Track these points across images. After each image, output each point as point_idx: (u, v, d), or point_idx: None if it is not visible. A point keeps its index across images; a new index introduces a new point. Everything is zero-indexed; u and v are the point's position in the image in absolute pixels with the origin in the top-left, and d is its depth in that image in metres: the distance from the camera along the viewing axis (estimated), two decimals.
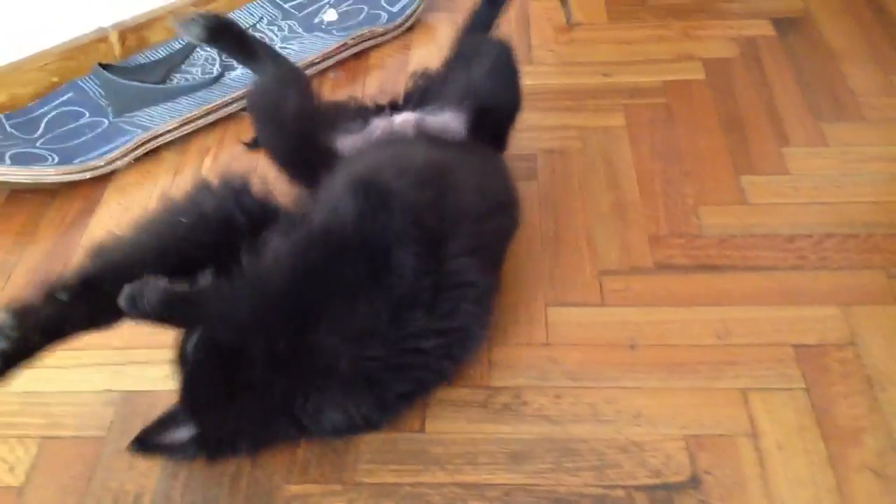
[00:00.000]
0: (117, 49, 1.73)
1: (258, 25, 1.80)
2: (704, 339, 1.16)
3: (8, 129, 1.58)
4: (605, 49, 1.76)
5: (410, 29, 1.83)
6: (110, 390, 1.14)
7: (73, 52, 1.69)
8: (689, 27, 1.79)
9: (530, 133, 1.55)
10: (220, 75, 1.69)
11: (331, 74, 1.72)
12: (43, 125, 1.60)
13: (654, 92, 1.64)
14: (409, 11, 1.80)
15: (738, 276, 1.25)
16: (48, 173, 1.46)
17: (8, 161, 1.47)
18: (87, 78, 1.68)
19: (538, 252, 1.32)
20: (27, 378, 1.14)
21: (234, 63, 1.70)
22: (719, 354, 1.14)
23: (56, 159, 1.50)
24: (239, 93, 1.61)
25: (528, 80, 1.67)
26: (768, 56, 1.69)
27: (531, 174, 1.46)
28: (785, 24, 1.77)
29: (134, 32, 1.75)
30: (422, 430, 1.08)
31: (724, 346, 1.15)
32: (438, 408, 1.10)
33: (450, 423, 1.09)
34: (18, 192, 1.48)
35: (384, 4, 1.83)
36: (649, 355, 1.15)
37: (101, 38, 1.71)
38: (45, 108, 1.63)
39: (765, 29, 1.76)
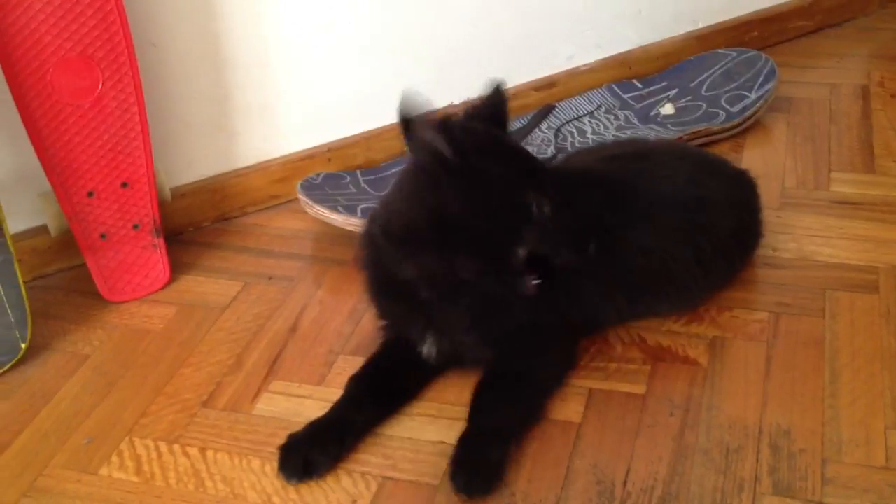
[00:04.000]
0: None
1: (596, 113, 1.88)
2: None
3: (362, 183, 1.74)
4: None
5: (746, 128, 1.83)
6: (444, 442, 1.21)
7: None
8: None
9: (871, 244, 1.50)
10: (554, 156, 1.77)
11: None
12: (391, 184, 1.74)
13: None
14: (748, 113, 1.81)
15: None
16: None
17: (359, 213, 1.61)
18: None
19: (878, 370, 1.26)
20: None
21: (568, 146, 1.78)
22: None
23: None
24: None
25: (871, 189, 1.63)
26: None
27: (871, 287, 1.41)
28: None
29: None
30: None
31: None
32: None
33: None
34: None
35: (724, 104, 1.85)
36: None
37: (450, 113, 1.85)
38: (396, 170, 1.78)
39: None
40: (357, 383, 1.28)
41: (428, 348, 1.28)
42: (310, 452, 1.18)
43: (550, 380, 1.27)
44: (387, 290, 1.29)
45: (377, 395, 1.27)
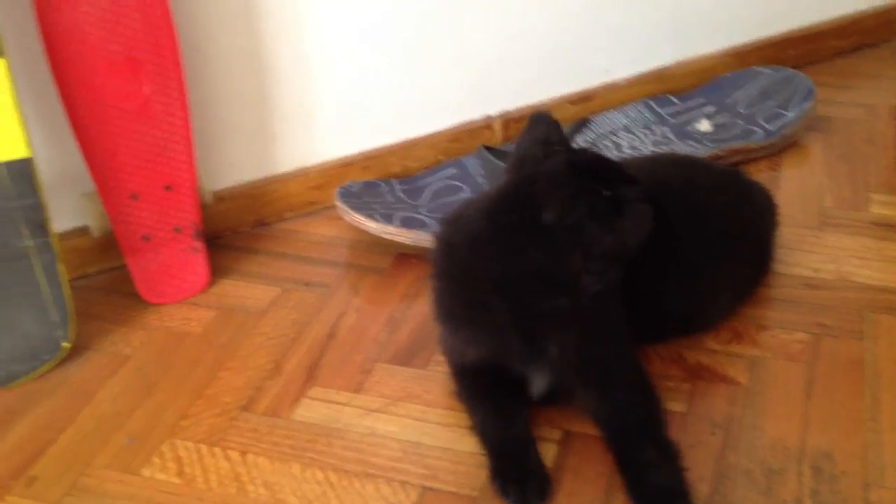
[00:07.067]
0: (499, 135, 1.88)
1: (632, 127, 1.88)
2: None
3: (398, 192, 1.75)
4: None
5: (783, 147, 1.83)
6: (483, 454, 1.21)
7: (461, 135, 1.85)
8: None
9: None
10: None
11: None
12: (428, 193, 1.75)
13: None
14: (786, 132, 1.81)
15: None
16: (427, 238, 1.59)
17: (397, 222, 1.62)
18: (470, 157, 1.82)
19: None
20: (412, 429, 1.26)
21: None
22: None
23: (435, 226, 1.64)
24: None
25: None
26: None
27: (892, 306, 1.41)
28: None
29: (516, 122, 1.88)
30: None
31: None
32: None
33: None
34: (404, 255, 1.62)
35: (761, 122, 1.85)
36: None
37: (486, 124, 1.87)
38: (431, 179, 1.79)
39: None
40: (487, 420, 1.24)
41: (536, 382, 1.23)
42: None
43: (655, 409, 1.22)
44: (487, 310, 1.18)
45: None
